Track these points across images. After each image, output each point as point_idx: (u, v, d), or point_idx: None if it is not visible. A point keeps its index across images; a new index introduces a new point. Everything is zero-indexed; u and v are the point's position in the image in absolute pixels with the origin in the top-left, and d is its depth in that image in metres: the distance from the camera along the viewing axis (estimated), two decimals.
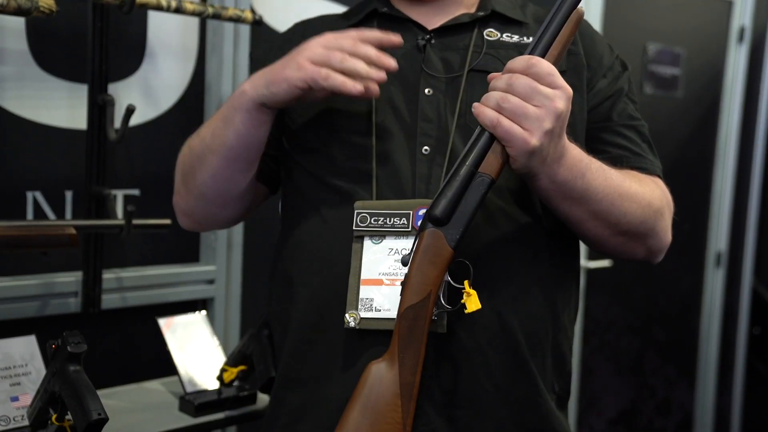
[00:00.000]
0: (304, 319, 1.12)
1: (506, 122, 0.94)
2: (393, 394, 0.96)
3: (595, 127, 1.17)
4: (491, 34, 1.17)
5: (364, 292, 1.05)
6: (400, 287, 0.99)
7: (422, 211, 1.03)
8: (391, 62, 1.03)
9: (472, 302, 0.98)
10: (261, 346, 1.48)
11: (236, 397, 1.55)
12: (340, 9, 1.94)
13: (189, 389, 1.53)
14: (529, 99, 0.94)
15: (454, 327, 1.04)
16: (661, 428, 3.20)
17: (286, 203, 1.23)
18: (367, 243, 1.06)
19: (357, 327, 1.04)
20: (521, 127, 0.94)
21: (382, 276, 1.05)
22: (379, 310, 1.04)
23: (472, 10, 1.19)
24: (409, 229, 1.05)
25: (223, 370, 1.56)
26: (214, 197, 1.18)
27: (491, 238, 1.08)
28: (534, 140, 0.94)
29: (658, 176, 1.18)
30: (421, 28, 1.18)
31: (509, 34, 1.17)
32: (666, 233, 1.17)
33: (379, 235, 1.06)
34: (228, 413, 1.54)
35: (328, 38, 1.03)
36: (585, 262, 2.72)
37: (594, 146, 1.15)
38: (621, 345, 2.99)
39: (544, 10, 1.22)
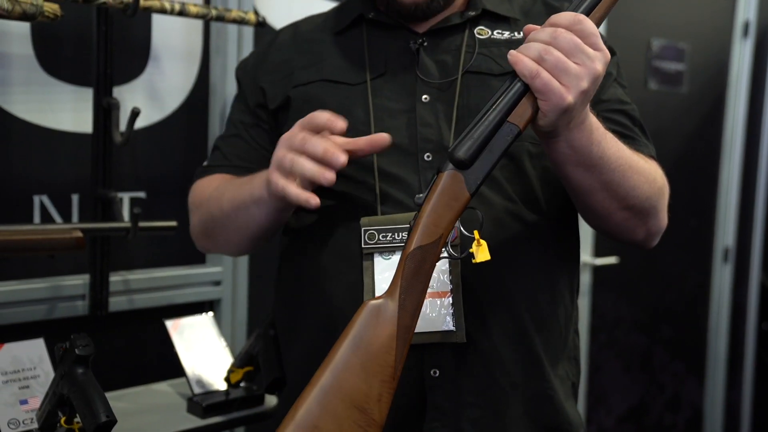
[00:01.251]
0: (315, 326, 1.13)
1: (546, 75, 0.90)
2: (389, 336, 0.90)
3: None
4: (482, 32, 1.16)
5: None
6: (410, 226, 0.94)
7: None
8: (340, 158, 0.97)
9: (482, 252, 0.94)
10: (266, 346, 1.48)
11: (244, 398, 1.56)
12: None
13: (197, 391, 1.54)
14: (571, 55, 0.91)
15: (469, 329, 1.04)
16: (670, 424, 3.19)
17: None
18: (378, 259, 1.06)
19: None
20: (560, 82, 0.91)
21: None
22: None
23: (461, 9, 1.19)
24: None
25: (230, 371, 1.56)
26: (237, 251, 1.27)
27: (500, 240, 1.08)
28: (570, 97, 0.90)
29: (653, 158, 1.17)
30: (412, 32, 1.17)
31: (500, 31, 1.16)
32: (664, 215, 1.16)
33: (389, 250, 1.05)
34: (236, 414, 1.55)
35: (285, 138, 1.01)
36: (591, 259, 2.71)
37: None
38: (629, 341, 2.99)
39: (531, 0, 1.22)
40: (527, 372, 1.09)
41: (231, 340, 1.89)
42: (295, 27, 1.30)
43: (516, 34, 1.16)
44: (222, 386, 1.57)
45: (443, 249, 0.94)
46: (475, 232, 0.95)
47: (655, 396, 3.12)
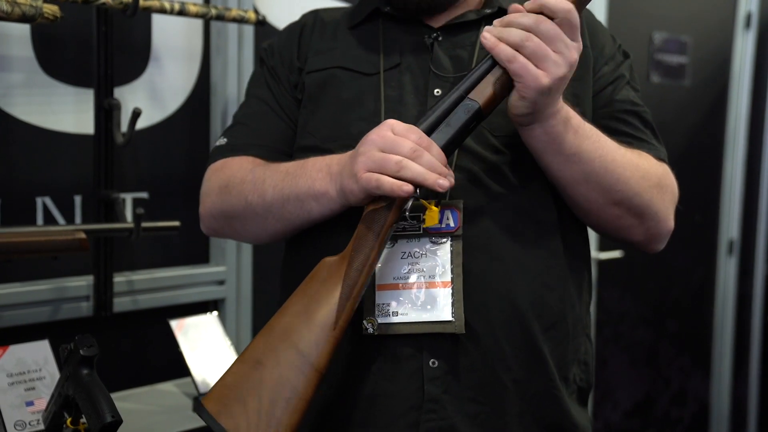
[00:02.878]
0: None
1: (522, 59, 0.95)
2: (334, 287, 0.97)
3: (598, 113, 1.17)
4: None
5: (380, 297, 1.04)
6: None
7: None
8: (446, 184, 0.97)
9: (430, 218, 1.00)
10: None
11: None
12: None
13: (202, 390, 1.54)
14: (551, 43, 0.95)
15: (472, 323, 1.04)
16: (677, 419, 3.18)
17: None
18: None
19: (375, 333, 1.04)
20: (537, 66, 0.95)
21: (397, 280, 1.05)
22: (396, 314, 1.03)
23: (478, 7, 1.19)
24: (420, 232, 1.05)
25: None
26: (265, 239, 1.21)
27: (505, 234, 1.07)
28: (547, 80, 0.95)
29: (663, 161, 1.17)
30: (427, 27, 1.17)
31: None
32: (667, 216, 1.14)
33: (391, 239, 1.05)
34: None
35: (386, 138, 0.98)
36: (596, 254, 2.71)
37: None
38: (635, 336, 2.98)
39: None
40: (530, 370, 1.08)
41: (236, 339, 1.89)
42: (316, 14, 1.29)
43: None
44: None
45: (400, 214, 0.99)
46: (432, 203, 1.00)
47: (661, 391, 3.11)
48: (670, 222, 1.16)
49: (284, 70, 1.24)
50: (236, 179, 1.16)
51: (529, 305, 1.07)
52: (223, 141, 1.24)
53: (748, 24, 3.16)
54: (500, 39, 0.96)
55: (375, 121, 1.10)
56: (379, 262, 1.04)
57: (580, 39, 0.98)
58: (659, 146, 1.19)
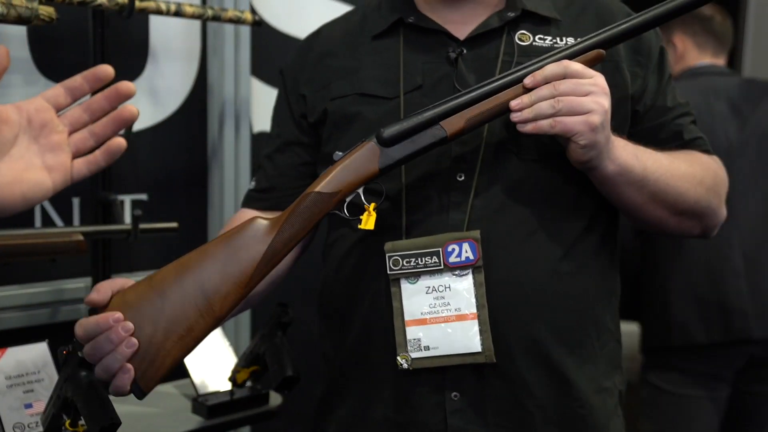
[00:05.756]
0: (349, 350, 1.15)
1: (562, 118, 0.97)
2: (257, 251, 0.98)
3: (654, 125, 1.16)
4: (523, 37, 1.11)
5: (411, 332, 1.05)
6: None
7: (451, 247, 1.04)
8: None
9: (368, 222, 1.02)
10: (274, 346, 1.48)
11: (249, 398, 1.56)
12: (344, 8, 1.93)
13: (201, 391, 1.54)
14: (577, 93, 0.97)
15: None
16: None
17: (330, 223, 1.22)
18: (404, 284, 1.07)
19: (410, 368, 1.05)
20: (579, 114, 0.97)
21: (425, 315, 1.06)
22: (428, 348, 1.05)
23: (501, 6, 1.13)
24: (441, 267, 1.05)
25: (235, 371, 1.56)
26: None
27: (526, 262, 1.06)
28: (595, 117, 0.97)
29: (710, 152, 1.19)
30: (451, 37, 1.12)
31: (541, 36, 1.11)
32: (721, 210, 1.18)
33: (414, 275, 1.06)
34: (241, 414, 1.55)
35: None
36: None
37: (656, 144, 1.13)
38: None
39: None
40: (555, 394, 1.07)
41: (234, 340, 1.88)
42: (332, 28, 1.24)
43: (558, 40, 1.11)
44: (226, 386, 1.57)
45: (339, 205, 1.02)
46: (372, 205, 1.02)
47: None
48: (723, 210, 1.19)
49: (295, 100, 1.22)
50: None
51: (549, 332, 1.06)
52: (252, 184, 1.28)
53: None
54: (534, 114, 0.98)
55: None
56: (406, 298, 1.06)
57: (594, 72, 1.00)
58: (705, 138, 1.20)
